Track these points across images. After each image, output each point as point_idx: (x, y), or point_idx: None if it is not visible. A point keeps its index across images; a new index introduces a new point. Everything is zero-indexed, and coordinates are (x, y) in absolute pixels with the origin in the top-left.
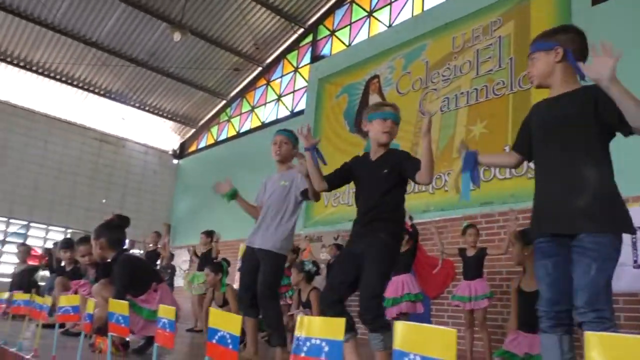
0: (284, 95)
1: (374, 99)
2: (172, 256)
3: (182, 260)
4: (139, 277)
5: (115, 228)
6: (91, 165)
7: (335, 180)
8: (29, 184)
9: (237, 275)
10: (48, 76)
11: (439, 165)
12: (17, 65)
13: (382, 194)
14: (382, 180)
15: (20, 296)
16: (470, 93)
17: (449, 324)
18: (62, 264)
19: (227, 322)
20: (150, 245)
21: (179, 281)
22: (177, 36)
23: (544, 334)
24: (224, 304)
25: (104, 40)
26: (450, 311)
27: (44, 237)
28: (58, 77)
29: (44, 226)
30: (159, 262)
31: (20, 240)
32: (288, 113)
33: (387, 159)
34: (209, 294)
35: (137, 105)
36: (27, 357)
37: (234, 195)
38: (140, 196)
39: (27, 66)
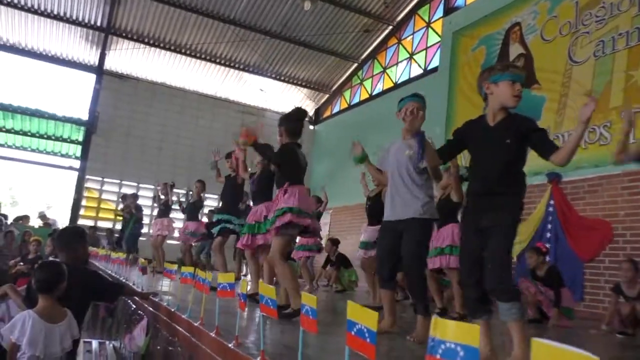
0: (416, 53)
1: (515, 49)
2: None
3: (323, 223)
4: (291, 164)
5: (294, 120)
6: (235, 136)
7: (449, 154)
8: (185, 156)
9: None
10: (195, 56)
11: (593, 117)
12: (168, 49)
13: (505, 164)
14: (505, 150)
15: (187, 269)
16: (631, 33)
17: (605, 288)
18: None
19: (364, 317)
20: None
21: None
22: (307, 5)
23: None
24: None
25: (241, 17)
26: (607, 275)
27: None
28: (203, 56)
29: None
30: None
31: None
32: (421, 71)
33: (510, 126)
34: None
35: (273, 76)
36: (195, 324)
37: (363, 159)
38: None
39: (177, 49)
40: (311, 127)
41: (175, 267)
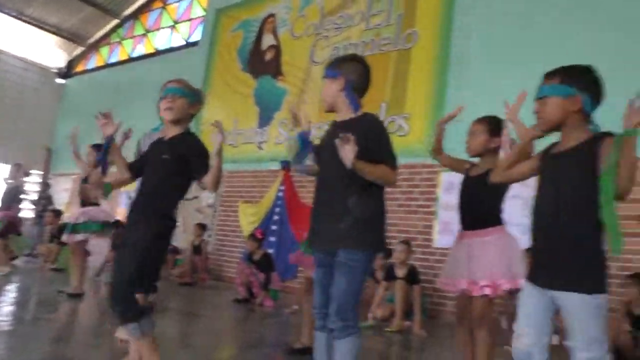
0: (180, 22)
1: (267, 39)
2: (47, 185)
3: (63, 189)
4: None
5: None
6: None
7: (139, 169)
8: None
9: None
10: None
11: (320, 116)
12: None
13: (156, 180)
14: (160, 166)
15: None
16: (358, 45)
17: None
18: None
19: None
20: (11, 180)
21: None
22: None
23: (316, 331)
24: None
25: None
26: None
27: None
28: None
29: None
30: (25, 195)
31: None
32: (183, 42)
33: (176, 143)
34: None
35: (13, 14)
36: None
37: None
38: (18, 116)
39: None
40: (59, 80)
41: None
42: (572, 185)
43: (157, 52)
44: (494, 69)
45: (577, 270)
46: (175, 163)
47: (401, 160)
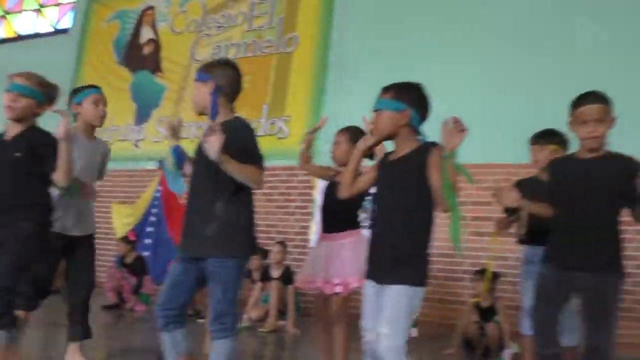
0: (46, 6)
1: (146, 32)
2: None
3: None
4: None
5: None
6: None
7: None
8: None
9: None
10: None
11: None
12: None
13: (16, 179)
14: (14, 165)
15: None
16: (240, 46)
17: None
18: None
19: None
20: None
21: None
22: None
23: (161, 332)
24: None
25: None
26: None
27: None
28: None
29: None
30: None
31: None
32: (50, 29)
33: (24, 138)
34: None
35: None
36: None
37: None
38: None
39: None
40: None
41: None
42: (403, 190)
43: (19, 37)
44: (370, 75)
45: (401, 267)
46: (28, 160)
47: (280, 162)
